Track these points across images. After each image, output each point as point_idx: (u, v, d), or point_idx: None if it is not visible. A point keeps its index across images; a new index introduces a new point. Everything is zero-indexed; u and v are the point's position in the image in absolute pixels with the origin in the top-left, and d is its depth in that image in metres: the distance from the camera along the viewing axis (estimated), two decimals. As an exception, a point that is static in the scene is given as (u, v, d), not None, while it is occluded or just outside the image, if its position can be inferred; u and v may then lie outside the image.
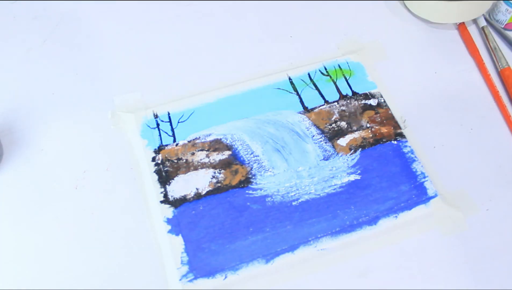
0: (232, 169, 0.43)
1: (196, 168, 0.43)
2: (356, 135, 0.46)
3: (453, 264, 0.40)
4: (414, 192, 0.43)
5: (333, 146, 0.45)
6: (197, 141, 0.45)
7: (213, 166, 0.43)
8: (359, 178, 0.43)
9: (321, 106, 0.47)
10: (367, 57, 0.51)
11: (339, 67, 0.50)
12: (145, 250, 0.40)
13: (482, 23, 0.54)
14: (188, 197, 0.42)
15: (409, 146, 0.45)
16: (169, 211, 0.41)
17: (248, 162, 0.44)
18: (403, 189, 0.43)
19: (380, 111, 0.47)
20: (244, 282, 0.38)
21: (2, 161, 0.43)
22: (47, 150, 0.44)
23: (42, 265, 0.39)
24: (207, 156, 0.44)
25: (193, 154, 0.44)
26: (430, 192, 0.43)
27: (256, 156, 0.44)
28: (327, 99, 0.48)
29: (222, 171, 0.43)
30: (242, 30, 0.52)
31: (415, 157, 0.44)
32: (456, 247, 0.41)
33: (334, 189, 0.42)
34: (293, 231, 0.40)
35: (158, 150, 0.44)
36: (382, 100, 0.48)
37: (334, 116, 0.47)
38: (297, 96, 0.48)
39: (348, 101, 0.48)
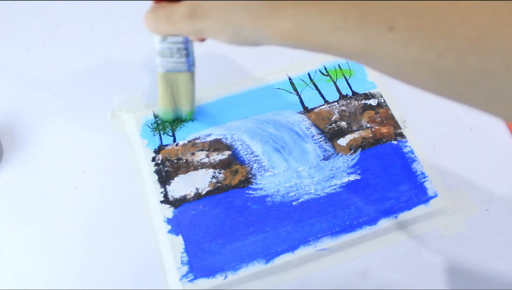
0: (232, 169, 0.43)
1: (196, 168, 0.43)
2: (356, 135, 0.46)
3: (453, 264, 0.40)
4: (414, 192, 0.43)
5: (333, 146, 0.45)
6: (197, 141, 0.45)
7: (213, 166, 0.43)
8: (359, 178, 0.43)
9: (321, 106, 0.47)
10: (367, 57, 0.51)
11: (339, 67, 0.50)
12: (145, 250, 0.40)
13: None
14: (188, 197, 0.42)
15: (409, 146, 0.45)
16: (169, 211, 0.41)
17: (248, 162, 0.44)
18: (403, 189, 0.43)
19: (380, 111, 0.47)
20: (244, 282, 0.38)
21: (2, 161, 0.43)
22: (47, 150, 0.44)
23: (42, 265, 0.39)
24: (207, 156, 0.44)
25: (193, 154, 0.44)
26: (430, 192, 0.43)
27: (256, 156, 0.44)
28: (327, 99, 0.48)
29: (222, 171, 0.43)
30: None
31: (415, 157, 0.44)
32: (456, 247, 0.41)
33: (334, 189, 0.42)
34: (293, 231, 0.40)
35: (158, 150, 0.44)
36: (382, 100, 0.48)
37: (334, 116, 0.47)
38: (297, 96, 0.48)
39: (348, 101, 0.48)
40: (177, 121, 0.45)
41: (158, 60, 0.38)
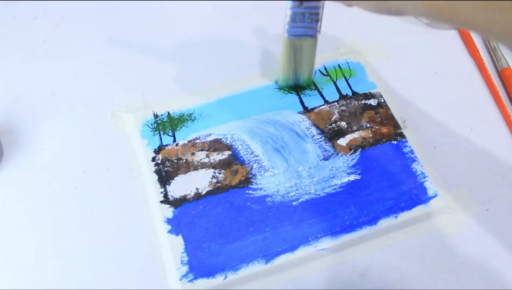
0: (232, 169, 0.43)
1: (196, 168, 0.43)
2: (356, 135, 0.46)
3: (453, 264, 0.40)
4: (414, 192, 0.43)
5: (333, 146, 0.45)
6: (197, 141, 0.45)
7: (213, 166, 0.43)
8: (359, 178, 0.43)
9: (321, 106, 0.47)
10: (367, 57, 0.51)
11: (339, 67, 0.50)
12: (145, 250, 0.40)
13: (482, 23, 0.54)
14: (188, 197, 0.42)
15: (409, 146, 0.45)
16: (169, 211, 0.41)
17: (248, 162, 0.44)
18: (403, 189, 0.43)
19: (380, 111, 0.47)
20: (244, 282, 0.38)
21: (2, 161, 0.43)
22: (47, 150, 0.44)
23: (42, 265, 0.39)
24: (207, 156, 0.44)
25: (193, 154, 0.44)
26: (430, 192, 0.43)
27: (256, 156, 0.44)
28: (327, 99, 0.48)
29: (222, 171, 0.43)
30: (242, 30, 0.52)
31: (415, 157, 0.44)
32: (456, 247, 0.41)
33: (334, 189, 0.42)
34: (293, 231, 0.40)
35: (158, 150, 0.44)
36: (382, 100, 0.48)
37: (334, 116, 0.47)
38: (297, 96, 0.48)
39: (348, 101, 0.48)
40: (295, 87, 0.47)
41: (288, 25, 0.40)
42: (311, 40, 0.42)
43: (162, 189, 0.42)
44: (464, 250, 0.41)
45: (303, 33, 0.41)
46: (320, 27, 0.42)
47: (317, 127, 0.46)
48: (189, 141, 0.45)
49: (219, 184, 0.42)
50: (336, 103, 0.47)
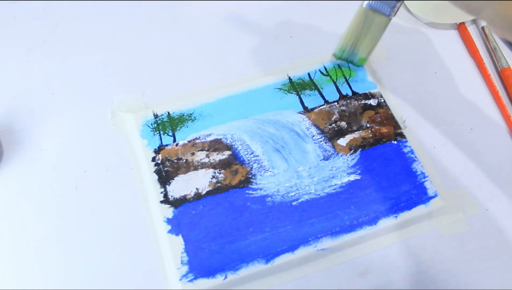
0: (232, 169, 0.43)
1: (196, 168, 0.43)
2: (356, 135, 0.46)
3: (453, 264, 0.40)
4: (414, 192, 0.43)
5: (333, 146, 0.45)
6: (197, 141, 0.45)
7: (213, 166, 0.43)
8: (359, 178, 0.43)
9: (321, 106, 0.47)
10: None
11: (339, 67, 0.50)
12: (145, 250, 0.40)
13: (482, 23, 0.54)
14: (188, 197, 0.42)
15: (409, 146, 0.45)
16: (169, 211, 0.41)
17: (248, 162, 0.44)
18: (403, 189, 0.43)
19: (380, 111, 0.47)
20: (244, 282, 0.38)
21: (2, 161, 0.43)
22: (47, 150, 0.44)
23: (42, 265, 0.39)
24: (207, 156, 0.44)
25: (193, 154, 0.44)
26: (430, 192, 0.43)
27: (256, 156, 0.44)
28: (327, 99, 0.48)
29: (222, 171, 0.43)
30: (242, 30, 0.52)
31: (415, 157, 0.44)
32: (456, 247, 0.41)
33: (334, 189, 0.42)
34: (293, 231, 0.40)
35: (158, 150, 0.44)
36: (382, 100, 0.48)
37: (334, 116, 0.47)
38: (297, 96, 0.48)
39: (348, 101, 0.48)
40: (347, 61, 0.48)
41: None
42: (384, 19, 0.42)
43: (162, 189, 0.42)
44: (464, 250, 0.41)
45: (381, 8, 0.41)
46: (396, 12, 0.42)
47: (317, 127, 0.46)
48: (189, 141, 0.45)
49: (219, 184, 0.42)
50: (336, 103, 0.47)
